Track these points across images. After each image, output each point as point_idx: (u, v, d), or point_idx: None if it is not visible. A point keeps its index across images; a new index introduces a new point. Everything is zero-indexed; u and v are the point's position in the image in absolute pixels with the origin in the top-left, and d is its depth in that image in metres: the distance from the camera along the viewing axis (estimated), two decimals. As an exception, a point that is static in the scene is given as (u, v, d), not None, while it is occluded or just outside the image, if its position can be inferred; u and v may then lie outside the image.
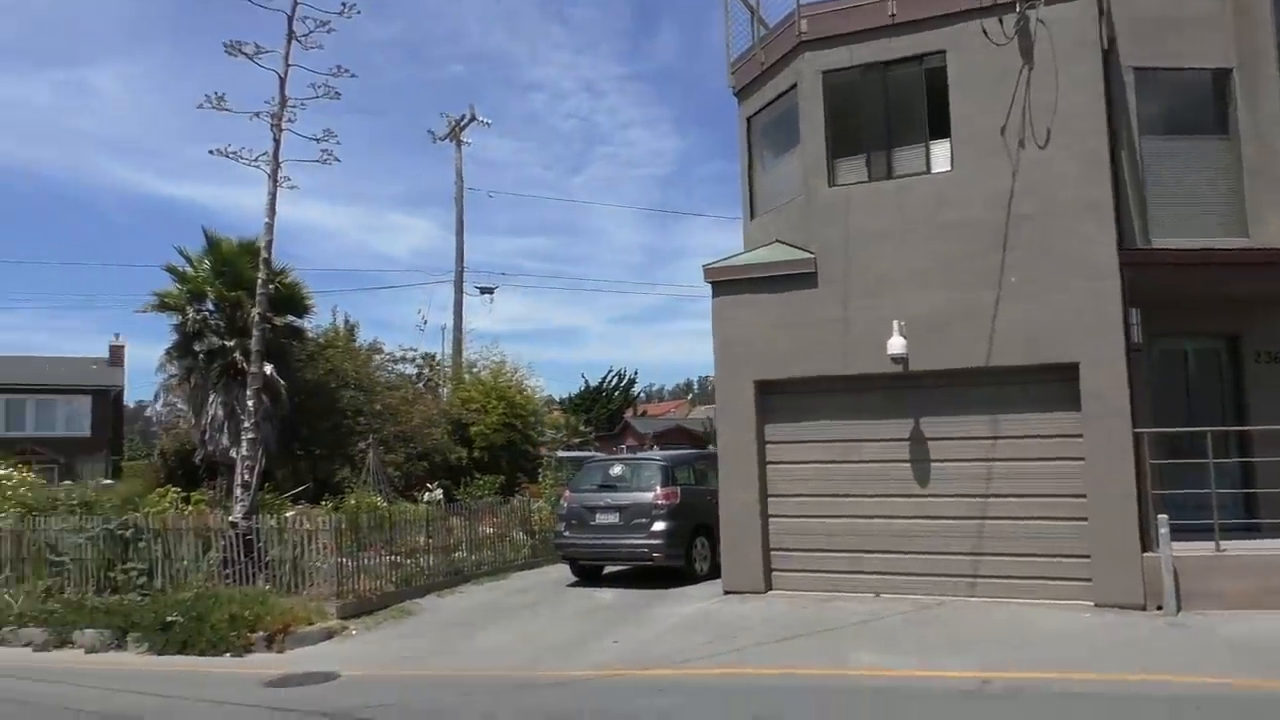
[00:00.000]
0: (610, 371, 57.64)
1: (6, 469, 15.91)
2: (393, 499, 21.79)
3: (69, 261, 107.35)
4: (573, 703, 7.99)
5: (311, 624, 11.19)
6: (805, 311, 12.23)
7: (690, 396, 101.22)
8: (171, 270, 26.02)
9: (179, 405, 44.95)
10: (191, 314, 25.72)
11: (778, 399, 12.62)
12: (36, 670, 10.01)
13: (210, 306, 26.36)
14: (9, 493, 15.20)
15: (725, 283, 12.79)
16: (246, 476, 12.76)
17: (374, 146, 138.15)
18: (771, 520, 12.48)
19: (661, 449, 39.87)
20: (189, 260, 26.32)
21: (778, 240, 12.87)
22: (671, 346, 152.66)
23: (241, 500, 12.70)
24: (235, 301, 25.88)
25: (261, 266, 13.77)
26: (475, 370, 32.42)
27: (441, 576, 13.80)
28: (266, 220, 13.50)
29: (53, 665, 10.33)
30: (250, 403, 13.02)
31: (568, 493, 14.88)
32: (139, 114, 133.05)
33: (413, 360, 31.12)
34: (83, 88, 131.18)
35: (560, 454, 37.01)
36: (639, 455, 23.77)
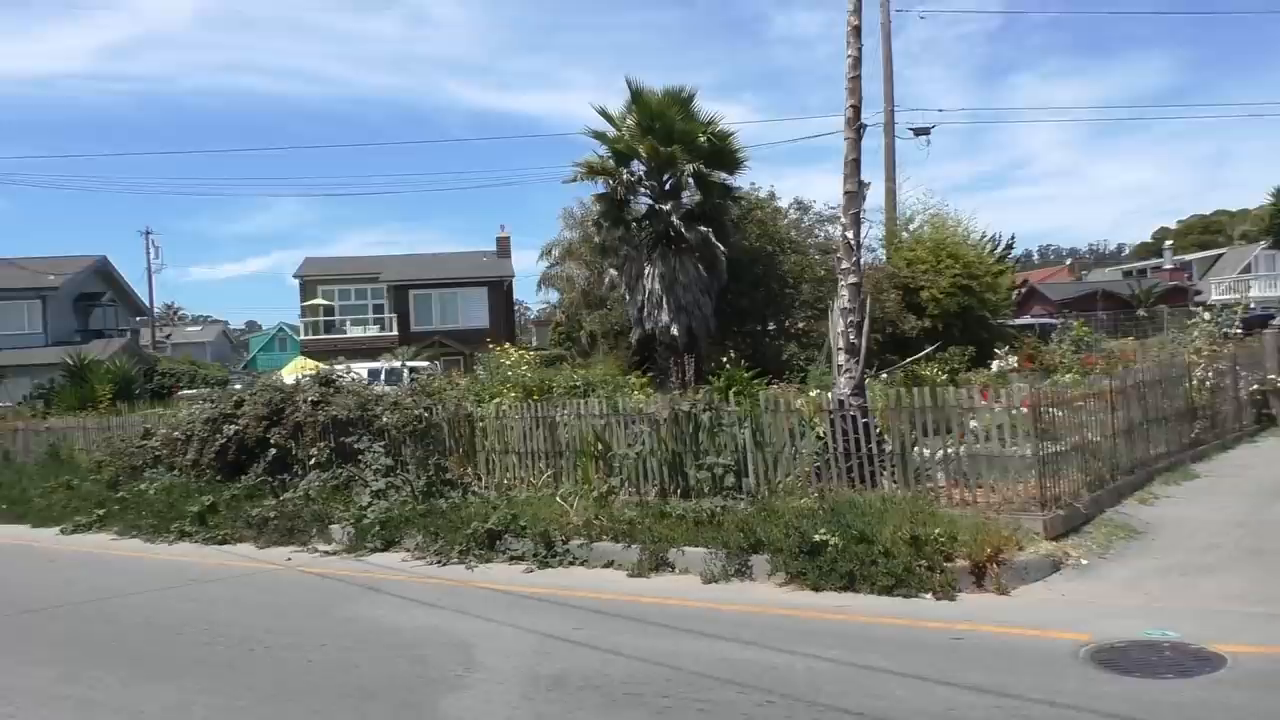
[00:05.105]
0: (982, 236, 48.39)
1: (506, 351, 13.60)
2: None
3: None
4: None
5: (1021, 548, 7.41)
6: None
7: (1070, 262, 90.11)
8: (597, 135, 23.37)
9: (553, 300, 44.37)
10: (625, 176, 23.07)
11: None
12: (658, 612, 7.00)
13: (641, 168, 23.56)
14: (509, 373, 12.81)
15: None
16: (853, 338, 9.09)
17: (681, 38, 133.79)
18: None
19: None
20: (609, 119, 23.55)
21: None
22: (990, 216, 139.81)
23: (848, 370, 9.08)
24: (669, 159, 22.83)
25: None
26: (913, 228, 27.64)
27: (1123, 475, 9.57)
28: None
29: (672, 601, 7.31)
30: (848, 234, 9.26)
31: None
32: (473, 35, 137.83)
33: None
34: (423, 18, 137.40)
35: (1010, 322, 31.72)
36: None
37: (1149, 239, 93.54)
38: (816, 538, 7.49)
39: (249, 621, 7.51)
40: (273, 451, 12.71)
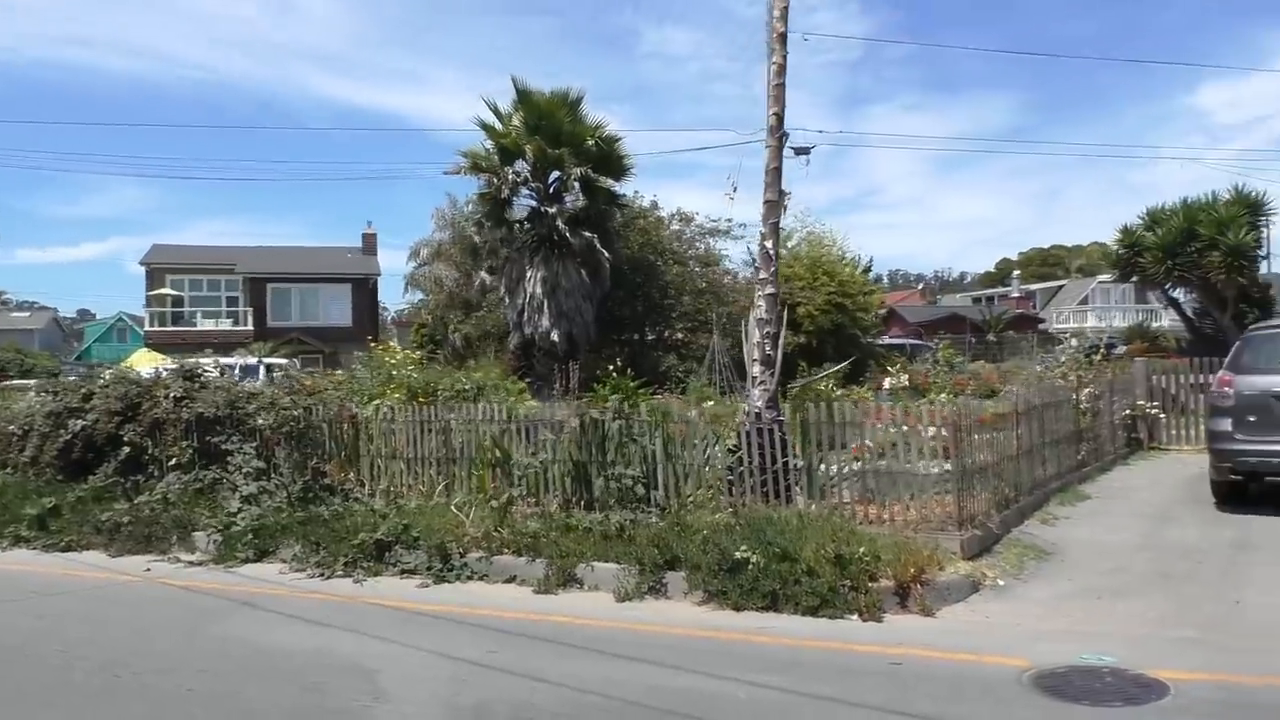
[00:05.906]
0: (845, 256, 49.87)
1: (394, 353, 12.83)
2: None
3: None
4: None
5: (942, 568, 7.30)
6: None
7: (922, 287, 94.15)
8: (483, 126, 22.69)
9: (418, 301, 43.14)
10: (510, 175, 22.44)
11: None
12: (572, 633, 6.56)
13: (526, 168, 22.96)
14: (395, 372, 12.09)
15: None
16: (769, 349, 8.87)
17: (551, 46, 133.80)
18: None
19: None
20: (498, 114, 22.91)
21: None
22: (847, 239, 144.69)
23: (762, 382, 8.85)
24: (556, 160, 22.36)
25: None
26: (791, 244, 27.98)
27: (1024, 495, 9.65)
28: None
29: (586, 621, 6.87)
30: (767, 244, 9.05)
31: (1228, 376, 10.07)
32: (337, 27, 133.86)
33: (728, 232, 26.96)
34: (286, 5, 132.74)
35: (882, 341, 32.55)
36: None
37: (992, 268, 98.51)
38: (737, 555, 7.18)
39: (109, 642, 6.66)
40: (126, 450, 11.59)
